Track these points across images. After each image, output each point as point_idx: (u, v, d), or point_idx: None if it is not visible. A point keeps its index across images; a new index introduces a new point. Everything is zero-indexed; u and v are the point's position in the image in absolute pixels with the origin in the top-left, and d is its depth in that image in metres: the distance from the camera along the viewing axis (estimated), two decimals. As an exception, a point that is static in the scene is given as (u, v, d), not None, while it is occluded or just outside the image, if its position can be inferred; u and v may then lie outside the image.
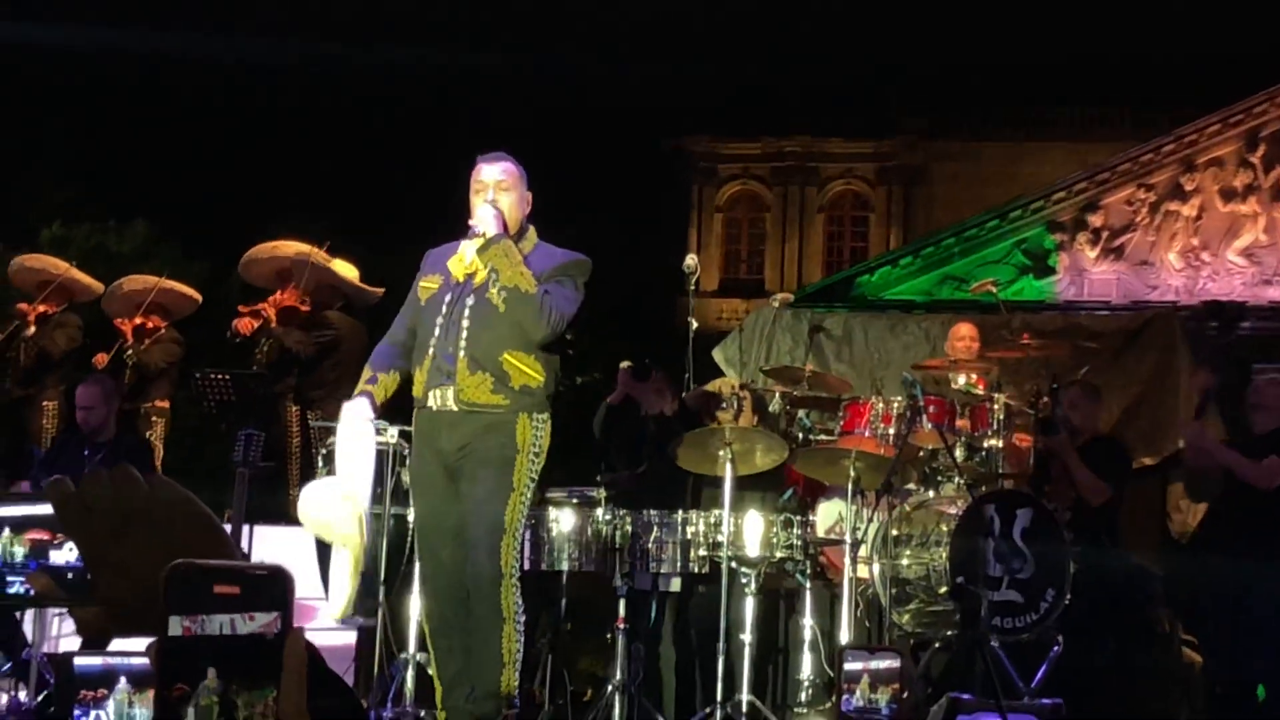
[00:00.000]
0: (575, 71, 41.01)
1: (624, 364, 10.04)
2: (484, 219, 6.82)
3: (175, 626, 1.51)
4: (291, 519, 9.96)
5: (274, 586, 1.55)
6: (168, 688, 1.51)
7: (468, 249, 6.88)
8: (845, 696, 2.26)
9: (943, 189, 41.49)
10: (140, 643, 1.74)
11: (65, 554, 1.81)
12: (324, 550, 8.27)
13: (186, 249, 29.64)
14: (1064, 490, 9.14)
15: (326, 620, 6.99)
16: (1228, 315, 22.46)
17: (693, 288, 10.22)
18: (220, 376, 10.46)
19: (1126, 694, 8.53)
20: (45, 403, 11.01)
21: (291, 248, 11.05)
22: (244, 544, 8.83)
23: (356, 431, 6.58)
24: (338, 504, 6.37)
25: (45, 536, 1.79)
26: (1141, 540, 11.34)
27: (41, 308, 11.22)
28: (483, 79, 39.85)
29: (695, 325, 10.14)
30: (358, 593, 6.45)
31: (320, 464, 8.36)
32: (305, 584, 8.22)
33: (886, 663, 2.28)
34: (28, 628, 8.42)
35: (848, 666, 2.26)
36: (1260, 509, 8.77)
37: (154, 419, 11.01)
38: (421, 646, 7.50)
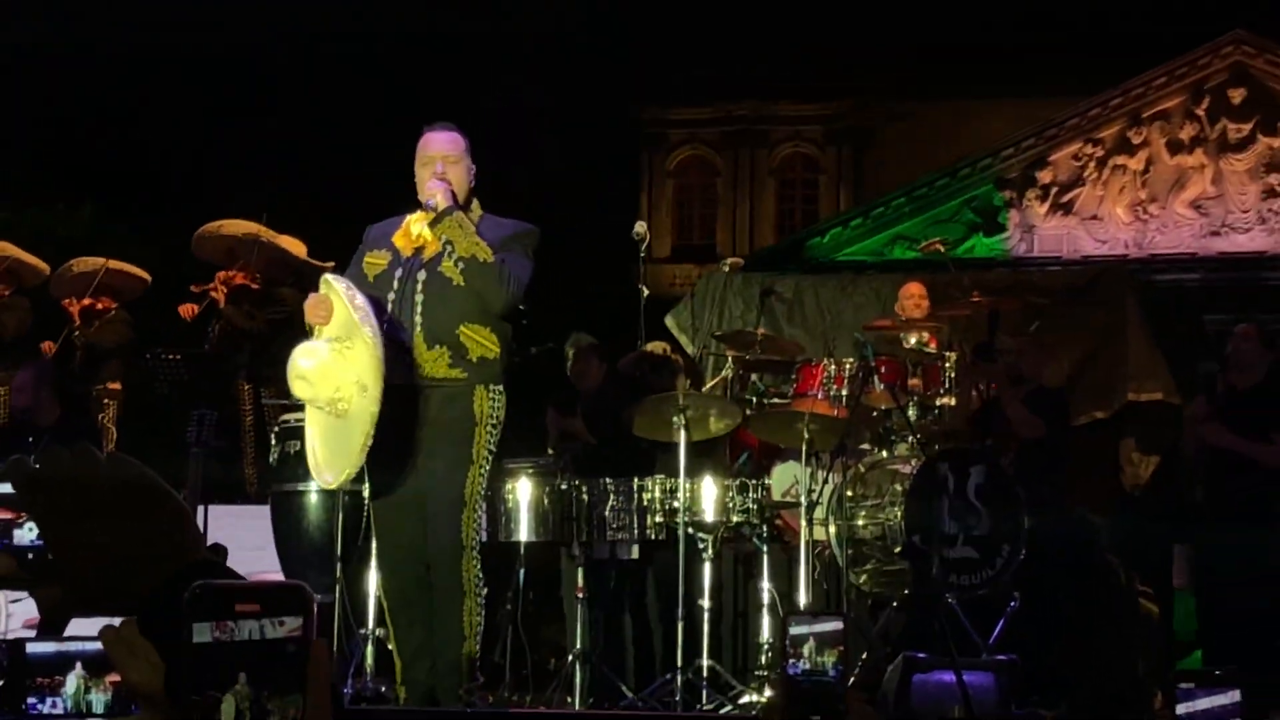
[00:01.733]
0: (523, 41, 40.84)
1: (550, 407, 9.97)
2: (435, 193, 6.79)
3: (204, 633, 1.53)
4: (248, 498, 9.97)
5: (294, 598, 1.58)
6: (199, 694, 1.54)
7: (414, 223, 6.84)
8: (791, 662, 2.28)
9: (892, 149, 41.44)
10: (95, 625, 1.74)
11: (27, 534, 1.80)
12: (281, 528, 8.26)
13: (135, 230, 29.43)
14: (1007, 438, 9.17)
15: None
16: None
17: (643, 254, 10.22)
18: (172, 357, 10.44)
19: (1085, 647, 8.58)
20: (-5, 387, 10.94)
21: (239, 226, 11.02)
22: (200, 524, 8.79)
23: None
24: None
25: (8, 516, 1.77)
26: (1095, 493, 11.41)
27: (-11, 292, 11.13)
28: (427, 48, 39.65)
29: (647, 292, 10.13)
30: None
31: (273, 441, 8.35)
32: (262, 561, 8.22)
33: (832, 625, 2.30)
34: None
35: (793, 631, 2.28)
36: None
37: (105, 401, 10.95)
38: (380, 621, 7.49)
